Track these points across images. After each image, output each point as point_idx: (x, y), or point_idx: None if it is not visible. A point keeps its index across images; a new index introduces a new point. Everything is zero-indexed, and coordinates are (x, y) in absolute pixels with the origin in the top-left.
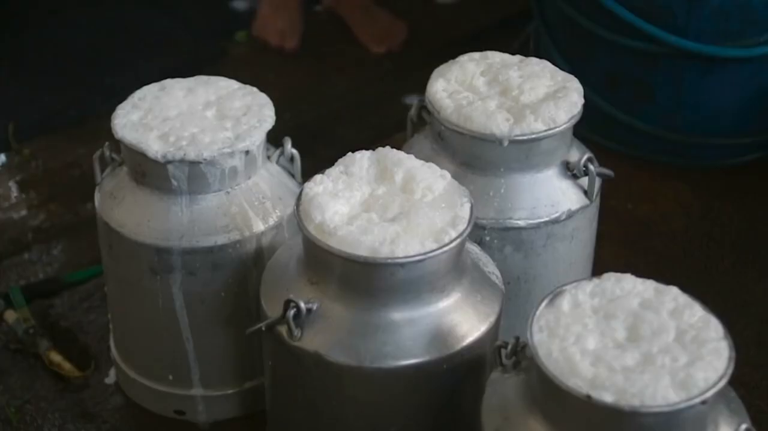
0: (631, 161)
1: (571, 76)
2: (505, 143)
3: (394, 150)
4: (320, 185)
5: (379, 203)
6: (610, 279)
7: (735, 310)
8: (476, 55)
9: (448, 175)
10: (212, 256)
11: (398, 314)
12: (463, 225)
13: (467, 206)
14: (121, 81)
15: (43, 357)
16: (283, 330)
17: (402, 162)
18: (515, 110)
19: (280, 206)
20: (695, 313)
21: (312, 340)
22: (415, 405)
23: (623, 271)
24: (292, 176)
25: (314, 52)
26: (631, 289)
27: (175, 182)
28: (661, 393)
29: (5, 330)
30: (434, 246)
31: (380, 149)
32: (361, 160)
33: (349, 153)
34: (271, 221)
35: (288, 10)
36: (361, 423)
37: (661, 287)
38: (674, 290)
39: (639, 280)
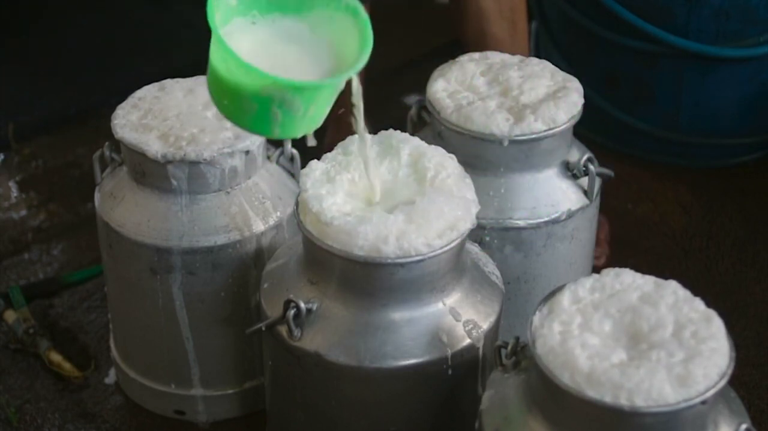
0: (631, 161)
1: (571, 77)
2: (505, 143)
3: (398, 131)
4: (316, 170)
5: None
6: (610, 274)
7: (735, 310)
8: (476, 55)
9: (454, 158)
10: (212, 256)
11: (398, 314)
12: (470, 222)
13: (475, 199)
14: (121, 81)
15: (43, 356)
16: (283, 330)
17: (408, 140)
18: (515, 109)
19: (280, 206)
20: (695, 308)
21: (312, 340)
22: (415, 405)
23: None
24: (292, 175)
25: None
26: (630, 283)
27: (175, 182)
28: (657, 388)
29: (5, 330)
30: (439, 244)
31: (383, 131)
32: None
33: (350, 136)
34: (271, 221)
35: None
36: (361, 424)
37: (661, 281)
38: (674, 284)
39: (638, 274)
